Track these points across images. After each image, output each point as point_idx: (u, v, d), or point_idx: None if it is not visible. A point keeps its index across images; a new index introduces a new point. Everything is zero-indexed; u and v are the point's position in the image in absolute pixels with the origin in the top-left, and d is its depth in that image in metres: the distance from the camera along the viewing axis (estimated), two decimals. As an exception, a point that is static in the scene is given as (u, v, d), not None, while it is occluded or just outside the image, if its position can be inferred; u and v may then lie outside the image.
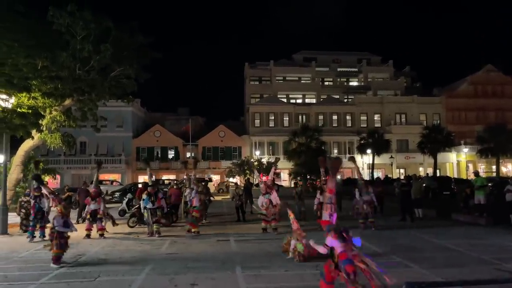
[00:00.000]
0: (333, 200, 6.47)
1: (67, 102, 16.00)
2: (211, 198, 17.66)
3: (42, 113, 15.25)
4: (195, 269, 8.18)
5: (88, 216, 13.05)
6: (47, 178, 23.43)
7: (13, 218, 15.06)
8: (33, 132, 14.93)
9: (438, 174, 40.21)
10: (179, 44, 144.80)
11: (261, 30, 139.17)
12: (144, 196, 13.06)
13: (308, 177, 36.92)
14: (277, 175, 41.98)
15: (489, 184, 17.58)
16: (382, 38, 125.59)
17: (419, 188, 16.91)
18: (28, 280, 7.60)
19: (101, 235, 12.74)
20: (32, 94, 14.44)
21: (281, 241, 11.34)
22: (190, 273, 7.89)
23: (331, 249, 5.62)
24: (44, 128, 15.50)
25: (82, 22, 14.35)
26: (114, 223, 13.50)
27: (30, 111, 14.60)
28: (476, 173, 16.84)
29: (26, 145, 16.24)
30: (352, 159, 14.38)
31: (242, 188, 17.83)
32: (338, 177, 39.19)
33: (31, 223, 12.69)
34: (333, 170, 6.62)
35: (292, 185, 31.10)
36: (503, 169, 44.32)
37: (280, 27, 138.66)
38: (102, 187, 19.43)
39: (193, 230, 13.00)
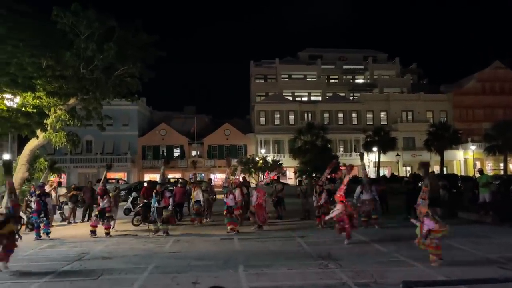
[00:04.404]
0: None
1: (72, 101, 16.05)
2: (215, 196, 17.66)
3: (47, 112, 15.30)
4: (197, 268, 8.18)
5: (97, 213, 13.15)
6: (53, 177, 23.55)
7: (19, 216, 15.17)
8: (38, 131, 14.99)
9: (445, 172, 39.89)
10: (185, 43, 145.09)
11: (266, 28, 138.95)
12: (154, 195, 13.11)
13: (314, 175, 36.78)
14: (283, 173, 41.87)
15: (496, 182, 17.37)
16: (389, 35, 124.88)
17: (437, 185, 16.32)
18: (32, 278, 7.66)
19: (107, 233, 12.80)
20: (37, 94, 14.47)
21: (282, 240, 11.37)
22: (193, 271, 7.89)
23: None
24: (48, 127, 15.55)
25: (86, 21, 14.35)
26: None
27: (35, 110, 14.65)
28: (481, 171, 16.54)
29: (31, 144, 16.33)
30: (361, 156, 14.26)
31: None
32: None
33: (35, 224, 12.81)
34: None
35: (297, 183, 31.08)
36: (511, 167, 43.84)
37: (285, 25, 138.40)
38: (108, 186, 19.63)
39: (231, 228, 12.95)
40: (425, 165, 9.85)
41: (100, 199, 13.14)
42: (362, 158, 14.18)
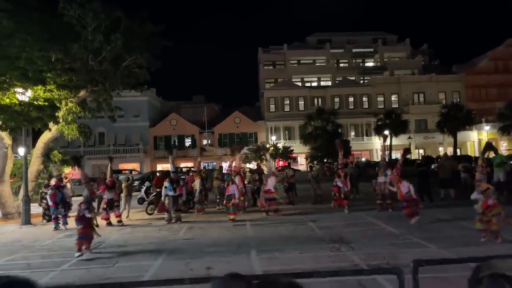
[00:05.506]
0: None
1: (82, 93, 16.20)
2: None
3: (58, 105, 15.47)
4: (210, 254, 8.29)
5: (105, 206, 13.31)
6: (67, 169, 23.94)
7: (36, 208, 15.51)
8: (50, 124, 15.19)
9: (458, 153, 39.43)
10: (192, 32, 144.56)
11: (274, 14, 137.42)
12: (166, 183, 13.09)
13: (325, 160, 36.73)
14: (294, 159, 41.86)
15: (511, 162, 17.07)
16: (398, 17, 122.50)
17: (450, 167, 16.07)
18: (50, 267, 7.84)
19: (119, 221, 13.01)
20: (48, 87, 14.63)
21: (294, 224, 11.39)
22: (206, 257, 8.00)
23: None
24: (60, 120, 15.76)
25: (92, 13, 14.38)
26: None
27: (47, 103, 14.84)
28: (495, 151, 16.29)
29: (45, 137, 16.58)
30: (384, 138, 14.25)
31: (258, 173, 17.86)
32: (362, 159, 39.06)
33: (52, 216, 13.15)
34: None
35: (308, 169, 31.09)
36: (526, 146, 43.12)
37: (293, 10, 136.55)
38: (121, 177, 19.87)
39: (231, 217, 12.77)
40: (488, 145, 10.65)
41: (108, 190, 13.28)
42: (385, 140, 14.07)
